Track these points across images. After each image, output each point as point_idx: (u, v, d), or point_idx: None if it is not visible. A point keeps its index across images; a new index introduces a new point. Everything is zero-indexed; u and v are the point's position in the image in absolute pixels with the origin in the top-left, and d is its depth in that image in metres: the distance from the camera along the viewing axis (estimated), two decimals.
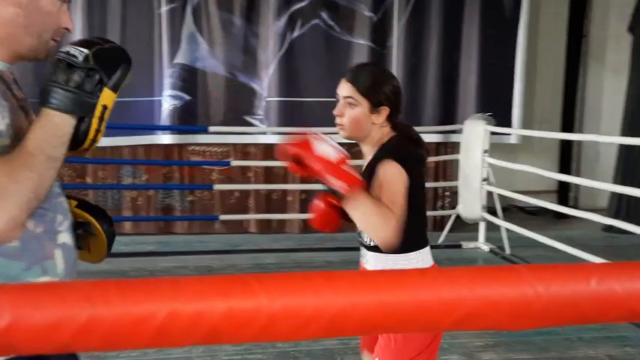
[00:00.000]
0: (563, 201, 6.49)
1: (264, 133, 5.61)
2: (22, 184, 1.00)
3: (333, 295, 0.37)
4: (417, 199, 1.63)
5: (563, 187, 6.63)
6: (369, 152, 1.74)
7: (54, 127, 1.06)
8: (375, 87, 1.67)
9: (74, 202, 1.30)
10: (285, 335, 0.36)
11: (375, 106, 1.68)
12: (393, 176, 1.58)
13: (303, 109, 5.58)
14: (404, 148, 1.69)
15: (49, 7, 1.14)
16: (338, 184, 1.44)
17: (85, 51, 1.07)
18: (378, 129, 1.71)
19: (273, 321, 0.36)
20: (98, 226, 1.27)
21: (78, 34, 5.36)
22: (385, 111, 1.69)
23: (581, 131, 6.70)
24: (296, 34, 5.57)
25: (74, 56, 1.07)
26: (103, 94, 1.11)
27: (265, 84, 5.58)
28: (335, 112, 1.70)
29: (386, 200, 1.54)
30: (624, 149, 5.88)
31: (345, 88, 1.69)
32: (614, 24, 6.51)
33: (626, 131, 5.88)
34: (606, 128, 6.51)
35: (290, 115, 5.57)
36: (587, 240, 5.28)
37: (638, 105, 5.85)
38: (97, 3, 5.35)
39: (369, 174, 1.66)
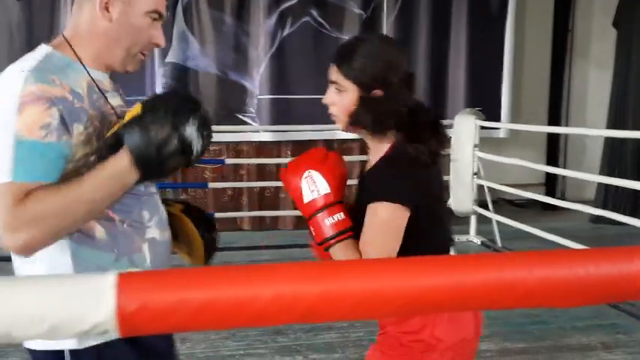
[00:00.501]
0: (551, 193, 6.61)
1: (257, 131, 5.64)
2: (60, 218, 1.05)
3: (411, 279, 0.42)
4: (425, 229, 1.36)
5: (551, 179, 6.75)
6: (372, 151, 1.43)
7: (121, 182, 1.09)
8: (362, 66, 1.33)
9: (179, 207, 1.32)
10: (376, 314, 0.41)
11: (366, 92, 1.34)
12: (381, 224, 1.30)
13: (295, 106, 5.62)
14: (403, 173, 1.33)
15: (140, 22, 1.19)
16: (311, 233, 1.34)
17: (199, 145, 1.08)
18: None
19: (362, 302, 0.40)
20: (194, 233, 1.29)
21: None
22: (380, 94, 1.34)
23: (567, 124, 6.81)
24: (286, 32, 5.61)
25: (190, 143, 1.06)
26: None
27: (257, 82, 5.61)
28: (324, 100, 1.41)
29: (364, 251, 1.31)
30: (610, 141, 6.00)
31: (331, 71, 1.39)
32: (599, 18, 6.63)
33: (612, 123, 6.00)
34: (592, 121, 6.63)
35: (282, 113, 5.61)
36: (576, 231, 5.39)
37: (623, 98, 5.98)
38: None
39: (364, 185, 1.42)
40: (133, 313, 0.37)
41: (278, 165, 5.77)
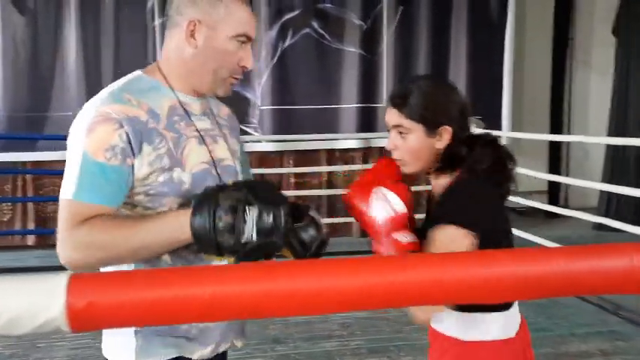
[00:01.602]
0: (553, 201, 6.60)
1: (259, 142, 5.69)
2: (106, 251, 1.07)
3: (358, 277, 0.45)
4: None
5: (554, 186, 6.75)
6: (436, 187, 1.41)
7: (176, 238, 1.06)
8: (424, 104, 1.34)
9: None
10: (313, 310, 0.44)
11: (431, 129, 1.34)
12: (443, 247, 1.24)
13: (297, 116, 5.67)
14: (469, 199, 1.31)
15: (226, 47, 1.20)
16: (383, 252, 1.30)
17: (253, 235, 1.02)
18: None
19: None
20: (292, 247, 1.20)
21: (72, 48, 5.43)
22: (447, 131, 1.34)
23: (569, 132, 6.82)
24: (288, 43, 5.67)
25: (245, 232, 1.02)
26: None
27: (258, 93, 5.67)
28: (387, 146, 1.41)
29: None
30: (612, 148, 6.00)
31: (390, 116, 1.38)
32: (599, 27, 6.65)
33: (613, 131, 6.01)
34: (594, 128, 6.64)
35: (284, 123, 5.66)
36: (578, 239, 5.39)
37: (624, 105, 5.99)
38: (90, 17, 5.43)
39: (430, 216, 1.41)
40: (81, 310, 0.40)
41: (280, 175, 5.81)
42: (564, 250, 0.51)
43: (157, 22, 5.47)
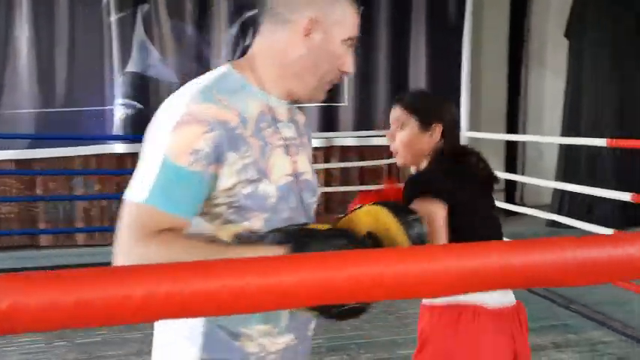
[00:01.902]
0: (509, 198, 6.76)
1: None
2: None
3: (310, 273, 0.45)
4: (466, 225, 1.49)
5: (510, 185, 6.91)
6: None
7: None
8: (422, 101, 1.62)
9: (383, 211, 1.09)
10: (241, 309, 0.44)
11: (424, 124, 1.56)
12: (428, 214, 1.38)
13: None
14: (431, 172, 1.57)
15: (337, 50, 1.12)
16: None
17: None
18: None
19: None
20: (399, 235, 1.06)
21: (24, 44, 5.27)
22: (439, 128, 1.56)
23: (524, 131, 6.99)
24: (248, 41, 5.63)
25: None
26: None
27: None
28: (387, 135, 1.64)
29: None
30: (564, 148, 6.18)
31: (393, 111, 1.62)
32: (552, 29, 6.84)
33: (566, 130, 6.19)
34: (548, 128, 6.82)
35: None
36: (533, 235, 5.54)
37: (576, 106, 6.17)
38: (43, 13, 5.27)
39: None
40: (4, 312, 0.39)
41: None
42: (502, 244, 0.52)
43: (113, 17, 5.34)
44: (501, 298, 1.50)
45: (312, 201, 1.19)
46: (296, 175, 1.12)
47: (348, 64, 1.15)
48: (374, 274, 0.44)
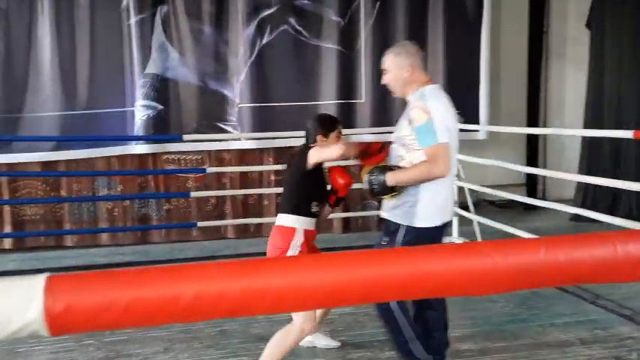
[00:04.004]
0: (531, 193, 6.68)
1: (239, 139, 5.66)
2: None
3: (330, 273, 0.45)
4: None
5: (532, 179, 6.83)
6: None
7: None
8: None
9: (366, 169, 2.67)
10: (293, 307, 0.44)
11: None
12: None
13: (275, 113, 5.64)
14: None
15: None
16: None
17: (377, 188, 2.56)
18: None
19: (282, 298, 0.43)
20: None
21: (46, 48, 5.34)
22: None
23: (546, 124, 6.90)
24: (265, 40, 5.64)
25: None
26: None
27: (237, 90, 5.63)
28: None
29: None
30: (587, 140, 6.09)
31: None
32: (573, 20, 6.74)
33: (588, 123, 6.09)
34: (570, 120, 6.73)
35: (263, 121, 5.63)
36: (556, 230, 5.47)
37: (598, 97, 6.08)
38: (64, 15, 5.33)
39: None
40: (60, 313, 0.39)
41: (260, 172, 5.79)
42: (549, 240, 0.51)
43: (133, 20, 5.39)
44: (311, 226, 2.72)
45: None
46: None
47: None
48: (424, 272, 0.44)
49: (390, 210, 2.57)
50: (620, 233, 0.49)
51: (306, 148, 2.71)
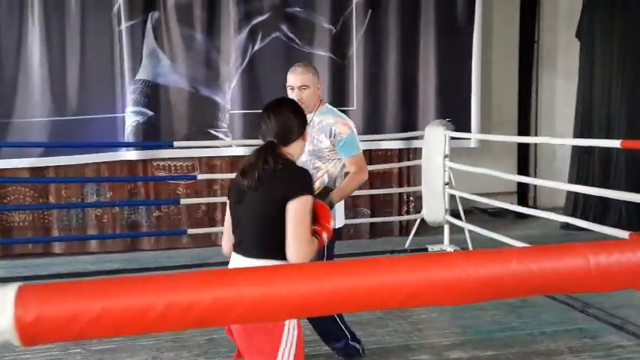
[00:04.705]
0: (522, 201, 6.71)
1: (230, 146, 5.65)
2: None
3: (302, 284, 0.45)
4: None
5: (523, 187, 6.86)
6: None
7: None
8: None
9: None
10: (262, 317, 0.44)
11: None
12: None
13: None
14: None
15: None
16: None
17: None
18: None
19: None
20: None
21: (36, 54, 5.32)
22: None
23: (537, 133, 6.95)
24: (257, 47, 5.65)
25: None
26: None
27: (228, 97, 5.63)
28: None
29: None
30: (577, 149, 6.13)
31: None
32: (563, 30, 6.80)
33: (579, 132, 6.14)
34: (561, 129, 6.77)
35: (254, 127, 5.62)
36: (546, 238, 5.49)
37: (588, 106, 6.12)
38: (54, 20, 5.32)
39: None
40: (30, 323, 0.39)
41: None
42: (521, 250, 0.52)
43: (124, 26, 5.38)
44: None
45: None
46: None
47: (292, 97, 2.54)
48: (393, 283, 0.44)
49: None
50: (592, 244, 0.50)
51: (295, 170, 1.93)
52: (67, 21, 5.33)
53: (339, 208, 2.83)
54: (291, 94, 2.73)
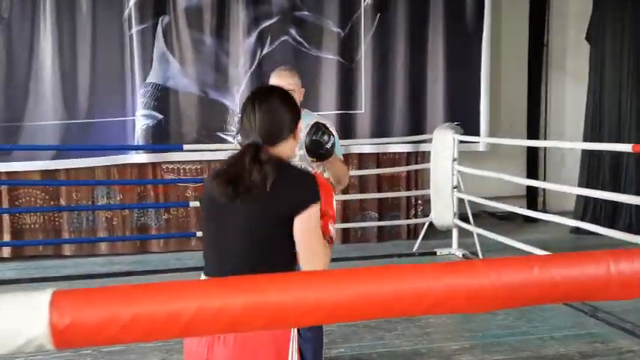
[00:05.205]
0: (532, 205, 6.69)
1: (238, 149, 5.67)
2: None
3: (329, 290, 0.45)
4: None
5: (532, 191, 6.84)
6: None
7: None
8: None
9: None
10: (291, 323, 0.44)
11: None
12: None
13: None
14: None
15: None
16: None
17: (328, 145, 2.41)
18: None
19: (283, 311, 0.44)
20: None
21: (47, 58, 5.37)
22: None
23: (546, 137, 6.92)
24: (266, 50, 5.67)
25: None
26: None
27: (237, 100, 5.65)
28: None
29: None
30: (587, 153, 6.10)
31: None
32: (573, 33, 6.78)
33: (588, 136, 6.11)
34: (570, 133, 6.75)
35: None
36: (556, 242, 5.47)
37: (598, 110, 6.10)
38: (66, 24, 5.36)
39: None
40: (65, 328, 0.40)
41: None
42: (542, 258, 0.52)
43: (134, 30, 5.42)
44: None
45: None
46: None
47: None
48: (419, 290, 0.44)
49: None
50: (613, 252, 0.50)
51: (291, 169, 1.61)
52: (78, 25, 5.38)
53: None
54: None
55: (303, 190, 1.53)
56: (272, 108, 1.58)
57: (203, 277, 1.64)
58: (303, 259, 1.52)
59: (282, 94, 1.65)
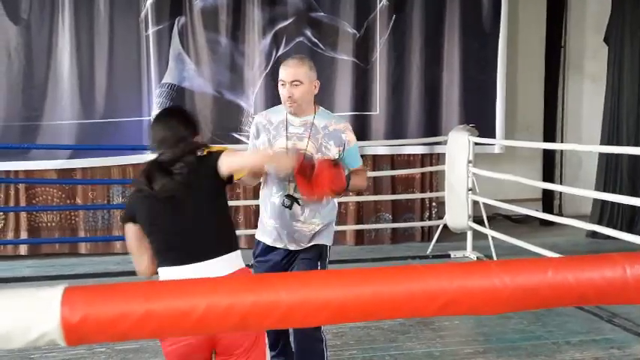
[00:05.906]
0: (548, 208, 6.62)
1: None
2: None
3: (340, 289, 0.45)
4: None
5: (548, 194, 6.77)
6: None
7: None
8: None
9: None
10: (300, 322, 0.44)
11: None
12: None
13: None
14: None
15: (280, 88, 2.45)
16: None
17: None
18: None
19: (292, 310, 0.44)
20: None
21: (65, 58, 5.43)
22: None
23: (563, 139, 6.85)
24: (281, 51, 5.68)
25: None
26: None
27: (252, 101, 5.67)
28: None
29: None
30: (605, 156, 6.03)
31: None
32: (591, 35, 6.70)
33: (606, 139, 6.04)
34: (587, 136, 6.67)
35: None
36: (572, 246, 5.41)
37: (617, 113, 6.02)
38: (84, 25, 5.42)
39: None
40: (76, 324, 0.40)
41: None
42: (557, 260, 0.51)
43: (151, 30, 5.47)
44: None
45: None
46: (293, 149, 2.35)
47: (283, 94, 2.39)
48: (432, 290, 0.44)
49: (313, 236, 2.43)
50: (628, 255, 0.49)
51: (207, 158, 1.90)
52: (95, 26, 5.43)
53: (333, 225, 2.54)
54: (282, 91, 2.35)
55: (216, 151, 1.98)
56: (166, 125, 2.00)
57: (167, 273, 1.91)
58: (229, 157, 1.91)
59: (177, 111, 2.22)
